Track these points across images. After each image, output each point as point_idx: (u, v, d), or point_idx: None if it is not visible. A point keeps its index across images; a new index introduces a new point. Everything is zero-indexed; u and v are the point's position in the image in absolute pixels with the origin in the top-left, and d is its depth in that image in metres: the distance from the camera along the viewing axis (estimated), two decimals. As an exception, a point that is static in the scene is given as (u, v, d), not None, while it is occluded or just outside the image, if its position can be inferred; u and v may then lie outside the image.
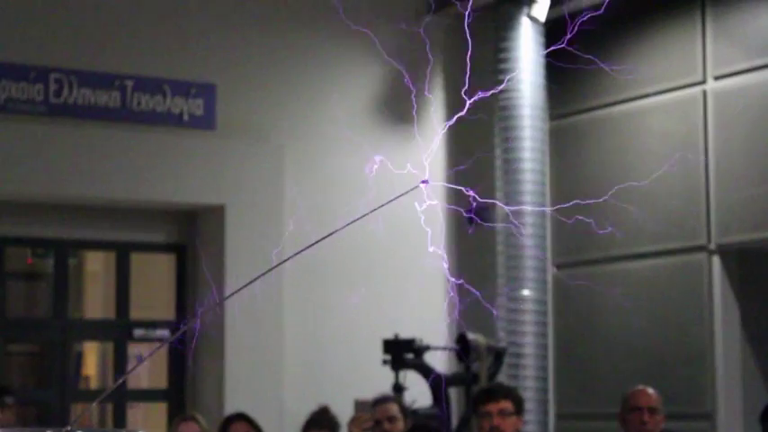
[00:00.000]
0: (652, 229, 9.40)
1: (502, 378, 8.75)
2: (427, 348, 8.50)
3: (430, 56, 10.55)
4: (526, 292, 9.43)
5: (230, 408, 8.58)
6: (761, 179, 8.74)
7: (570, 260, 9.96)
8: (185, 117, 9.61)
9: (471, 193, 3.29)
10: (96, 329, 10.26)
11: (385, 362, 8.47)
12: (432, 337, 8.86)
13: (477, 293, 3.63)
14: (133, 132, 9.40)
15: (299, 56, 10.05)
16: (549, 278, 9.77)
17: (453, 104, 10.23)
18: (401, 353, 8.43)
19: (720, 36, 9.08)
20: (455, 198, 6.16)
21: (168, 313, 10.01)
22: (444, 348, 9.24)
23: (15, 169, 9.04)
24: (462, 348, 8.56)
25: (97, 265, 11.14)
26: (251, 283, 3.05)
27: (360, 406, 8.75)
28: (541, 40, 9.59)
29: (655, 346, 9.30)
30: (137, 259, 9.94)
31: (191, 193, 9.63)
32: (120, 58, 9.44)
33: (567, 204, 4.40)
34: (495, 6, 9.68)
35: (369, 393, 8.00)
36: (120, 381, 2.83)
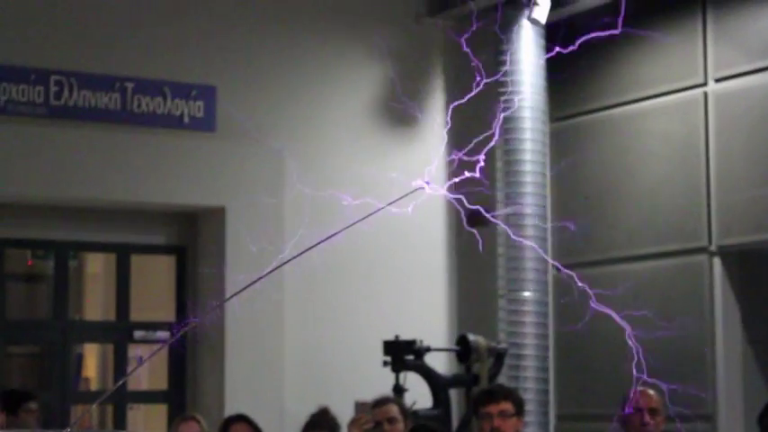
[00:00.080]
0: (653, 230, 9.40)
1: (502, 379, 8.74)
2: (428, 350, 8.50)
3: (430, 58, 10.55)
4: (527, 294, 9.43)
5: (230, 409, 8.57)
6: (762, 181, 8.73)
7: (571, 261, 9.94)
8: (186, 119, 9.61)
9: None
10: (96, 331, 10.25)
11: (385, 363, 8.47)
12: (432, 338, 8.85)
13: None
14: (133, 134, 9.39)
15: (300, 58, 10.04)
16: (550, 279, 9.76)
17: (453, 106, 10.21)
18: (401, 354, 8.43)
19: (721, 38, 9.08)
20: (455, 201, 6.15)
21: (168, 315, 10.01)
22: (445, 350, 9.25)
23: (16, 171, 9.04)
24: (463, 350, 8.56)
25: (97, 267, 11.15)
26: (252, 284, 3.05)
27: (360, 407, 8.74)
28: (542, 42, 9.59)
29: (655, 348, 9.28)
30: (137, 261, 9.94)
31: (191, 195, 9.62)
32: (121, 61, 9.44)
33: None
34: (495, 9, 9.67)
35: (369, 394, 7.98)
36: (121, 382, 2.83)
